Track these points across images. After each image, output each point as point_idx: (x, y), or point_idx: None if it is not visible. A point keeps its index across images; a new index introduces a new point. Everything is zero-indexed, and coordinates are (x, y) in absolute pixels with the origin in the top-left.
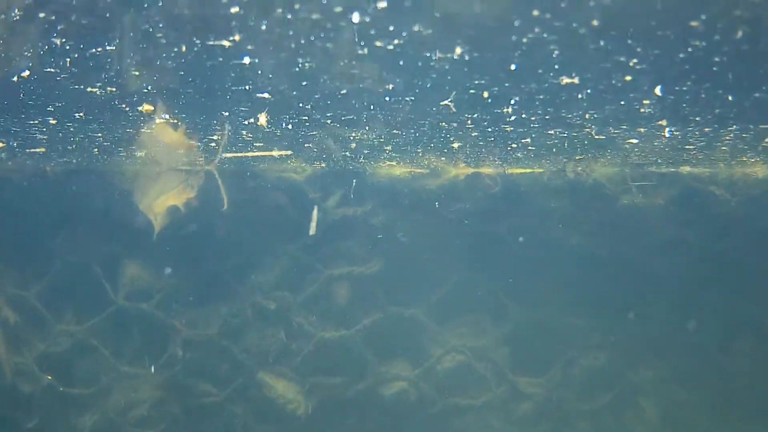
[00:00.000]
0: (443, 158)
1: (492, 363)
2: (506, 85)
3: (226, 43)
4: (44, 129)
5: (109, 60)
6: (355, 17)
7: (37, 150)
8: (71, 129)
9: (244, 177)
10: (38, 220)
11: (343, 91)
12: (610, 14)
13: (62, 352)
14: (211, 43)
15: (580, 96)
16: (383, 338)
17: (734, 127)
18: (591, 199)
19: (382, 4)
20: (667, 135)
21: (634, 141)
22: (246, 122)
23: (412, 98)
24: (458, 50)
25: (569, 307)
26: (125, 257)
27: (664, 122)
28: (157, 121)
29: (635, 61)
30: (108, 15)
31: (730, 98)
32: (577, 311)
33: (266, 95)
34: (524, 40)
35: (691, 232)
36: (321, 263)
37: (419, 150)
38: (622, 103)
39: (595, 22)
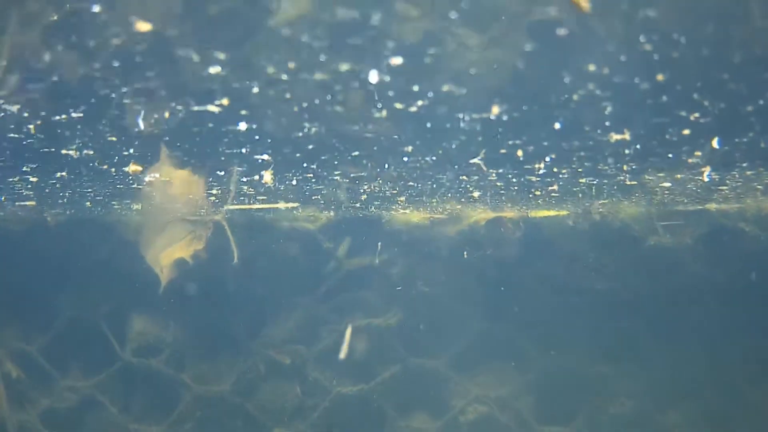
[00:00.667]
0: (460, 205)
1: (516, 412)
2: (545, 144)
3: (213, 108)
4: (28, 186)
5: (78, 126)
6: (373, 77)
7: (27, 203)
8: (57, 186)
9: (255, 228)
10: (39, 272)
11: (355, 153)
12: (678, 68)
13: (68, 408)
14: (195, 108)
15: (627, 151)
16: (403, 391)
17: None
18: (618, 241)
19: (397, 61)
20: (706, 179)
21: (667, 185)
22: (246, 179)
23: (434, 158)
24: (495, 110)
25: (595, 353)
26: (132, 311)
27: (707, 168)
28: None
29: (697, 115)
30: (72, 85)
31: None
32: (603, 357)
33: (267, 156)
34: (574, 97)
35: (721, 271)
36: (337, 314)
37: (435, 200)
38: (670, 156)
39: (660, 77)
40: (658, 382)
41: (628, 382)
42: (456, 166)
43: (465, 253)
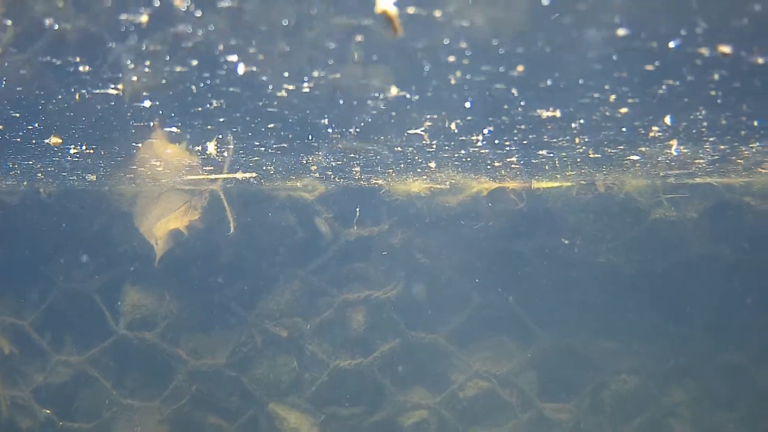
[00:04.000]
0: (463, 173)
1: (517, 389)
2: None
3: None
4: None
5: None
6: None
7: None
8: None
9: (251, 198)
10: (32, 244)
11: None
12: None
13: (61, 384)
14: None
15: (574, 125)
16: (402, 365)
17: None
18: (621, 214)
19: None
20: (674, 153)
21: (635, 158)
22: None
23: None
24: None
25: (598, 328)
26: (126, 283)
27: (674, 142)
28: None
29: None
30: None
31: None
32: (606, 333)
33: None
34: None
35: (726, 246)
36: (335, 287)
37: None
38: (624, 130)
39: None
40: (660, 359)
41: (631, 359)
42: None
43: (465, 223)
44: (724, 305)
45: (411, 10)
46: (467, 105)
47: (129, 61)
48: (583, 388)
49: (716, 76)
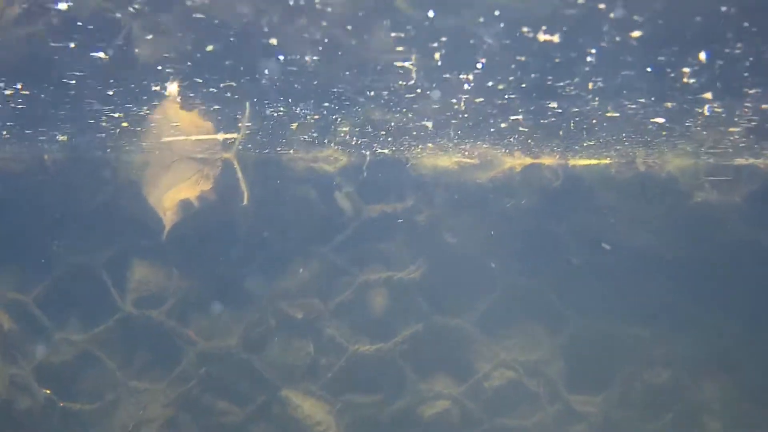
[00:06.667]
0: (495, 147)
1: (545, 379)
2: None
3: None
4: None
5: None
6: None
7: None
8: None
9: (268, 168)
10: (37, 214)
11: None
12: None
13: (62, 362)
14: None
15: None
16: (424, 352)
17: None
18: (662, 195)
19: None
20: (707, 113)
21: (660, 120)
22: None
23: None
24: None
25: (631, 315)
26: (133, 257)
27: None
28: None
29: None
30: None
31: None
32: (639, 320)
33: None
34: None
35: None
36: (356, 266)
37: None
38: (649, 69)
39: None
40: (696, 350)
41: (665, 348)
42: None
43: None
44: (764, 295)
45: None
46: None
47: None
48: (613, 379)
49: None
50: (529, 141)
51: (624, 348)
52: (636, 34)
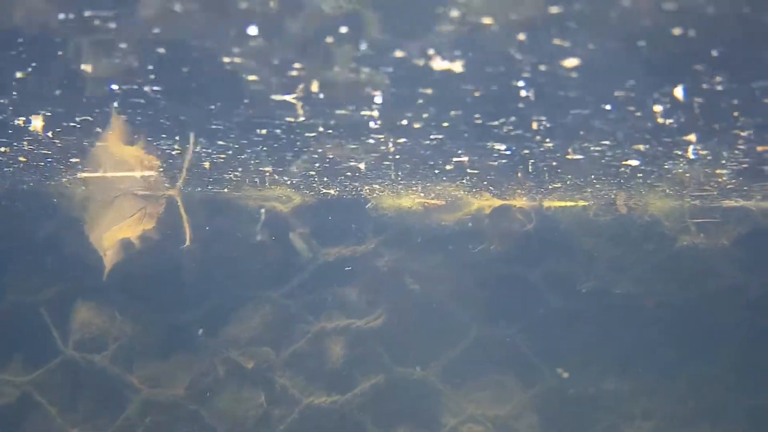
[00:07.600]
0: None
1: None
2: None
3: None
4: None
5: None
6: None
7: None
8: None
9: (216, 207)
10: None
11: None
12: None
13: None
14: None
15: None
16: (385, 405)
17: None
18: (644, 240)
19: None
20: (692, 156)
21: (635, 163)
22: None
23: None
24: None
25: (610, 366)
26: (77, 297)
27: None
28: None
29: None
30: None
31: None
32: (619, 371)
33: None
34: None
35: (758, 277)
36: (311, 313)
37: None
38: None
39: None
40: (679, 402)
41: (646, 401)
42: None
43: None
44: (751, 342)
45: None
46: None
47: None
48: None
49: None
50: (485, 182)
51: (602, 400)
52: (571, 62)
